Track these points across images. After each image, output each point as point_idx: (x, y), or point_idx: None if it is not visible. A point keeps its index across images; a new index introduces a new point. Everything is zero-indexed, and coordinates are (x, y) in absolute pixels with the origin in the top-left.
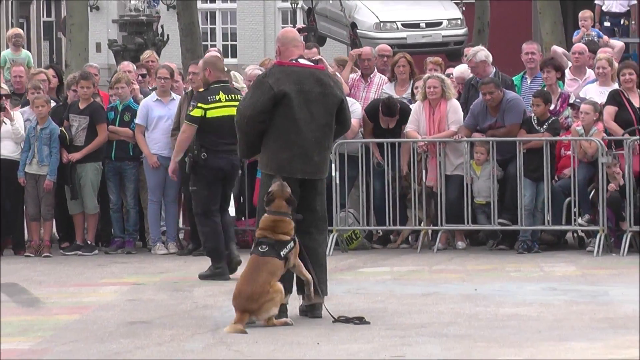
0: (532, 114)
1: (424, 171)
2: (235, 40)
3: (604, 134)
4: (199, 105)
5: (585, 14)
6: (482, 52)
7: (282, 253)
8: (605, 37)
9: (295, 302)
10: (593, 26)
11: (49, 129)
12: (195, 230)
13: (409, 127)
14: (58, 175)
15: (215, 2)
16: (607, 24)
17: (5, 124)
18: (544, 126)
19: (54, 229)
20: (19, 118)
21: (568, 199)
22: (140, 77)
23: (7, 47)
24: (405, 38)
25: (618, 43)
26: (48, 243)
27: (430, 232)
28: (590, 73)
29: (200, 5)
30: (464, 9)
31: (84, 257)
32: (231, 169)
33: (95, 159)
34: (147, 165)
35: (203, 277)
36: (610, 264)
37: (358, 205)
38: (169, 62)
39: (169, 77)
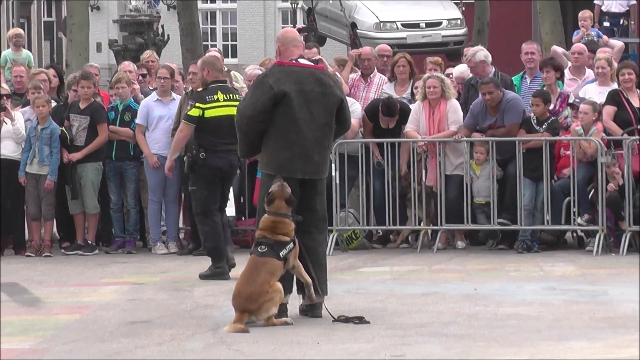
0: (532, 114)
1: (423, 171)
2: (236, 40)
3: (603, 134)
4: (197, 104)
5: (585, 14)
6: (481, 52)
7: (281, 254)
8: (604, 37)
9: (295, 301)
10: (592, 26)
11: (49, 128)
12: (195, 230)
13: (409, 127)
14: (58, 175)
15: (215, 2)
16: (606, 24)
17: (6, 123)
18: (544, 126)
19: (55, 229)
20: (19, 118)
21: (567, 198)
22: (140, 77)
23: (8, 47)
24: (405, 38)
25: (618, 43)
26: (49, 243)
27: (430, 231)
28: (589, 73)
29: (200, 5)
30: (463, 9)
31: (85, 257)
32: (230, 169)
33: (95, 159)
34: (148, 165)
35: (203, 276)
36: (609, 263)
37: (358, 205)
38: (169, 62)
39: (168, 77)
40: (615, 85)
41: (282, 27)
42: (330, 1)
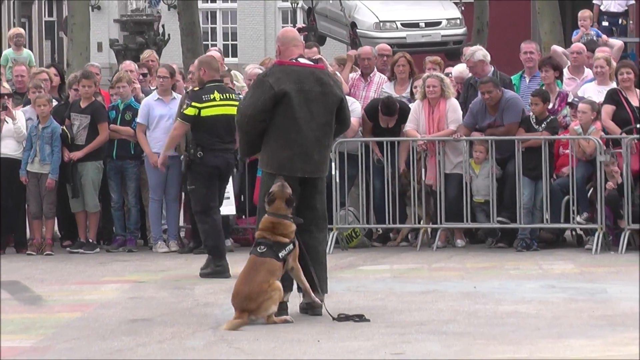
0: (531, 113)
1: (423, 170)
2: (236, 40)
3: (602, 133)
4: (193, 104)
5: (584, 13)
6: (479, 52)
7: (280, 254)
8: (604, 37)
9: (295, 299)
10: (591, 26)
11: (50, 127)
12: (196, 228)
13: (409, 126)
14: (59, 174)
15: (215, 2)
16: (605, 23)
17: (7, 122)
18: (543, 125)
19: (56, 227)
20: (20, 117)
21: (566, 197)
22: (141, 77)
23: (9, 46)
24: (404, 37)
25: (617, 42)
26: (50, 241)
27: (429, 230)
28: (588, 72)
29: (201, 5)
30: (463, 8)
31: (86, 255)
32: (227, 167)
33: (96, 158)
34: (149, 164)
35: (204, 275)
36: (608, 261)
37: (358, 203)
38: (170, 62)
39: (168, 77)
40: (614, 85)
41: (282, 27)
42: (330, 1)
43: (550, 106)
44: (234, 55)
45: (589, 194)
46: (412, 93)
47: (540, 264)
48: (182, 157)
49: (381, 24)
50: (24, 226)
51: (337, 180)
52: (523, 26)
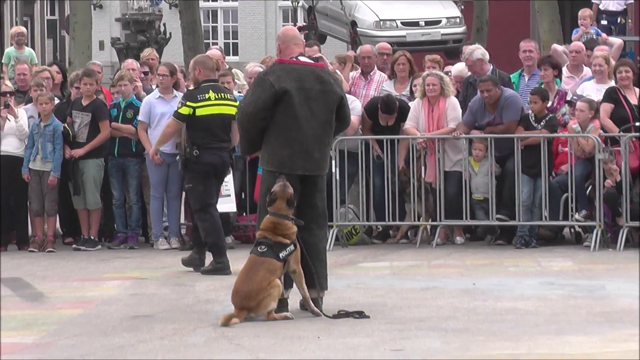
0: (530, 111)
1: (423, 167)
2: (237, 38)
3: (601, 131)
4: (188, 103)
5: (585, 12)
6: (478, 51)
7: (280, 255)
8: (604, 35)
9: (295, 296)
10: (591, 24)
11: (52, 125)
12: (197, 225)
13: (408, 124)
14: (61, 171)
15: (217, 1)
16: (604, 22)
17: (10, 120)
18: (542, 123)
19: (58, 225)
20: (23, 115)
21: (565, 194)
22: (142, 75)
23: (11, 45)
24: (404, 36)
25: (617, 40)
26: (52, 238)
27: (429, 227)
28: (587, 71)
29: (202, 3)
30: (462, 7)
31: (87, 252)
32: (222, 165)
33: (97, 156)
34: (150, 161)
35: (205, 271)
36: (607, 259)
37: (358, 201)
38: (171, 61)
39: (168, 75)
40: (612, 83)
41: (283, 26)
42: (331, 0)
43: (549, 104)
44: (235, 53)
45: (587, 192)
46: (411, 91)
47: (539, 261)
48: (178, 157)
49: (381, 22)
50: (26, 223)
51: (337, 177)
52: (522, 25)
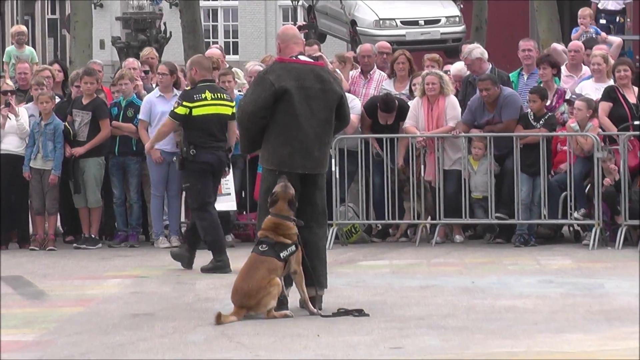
0: (529, 110)
1: (422, 166)
2: (237, 38)
3: (600, 130)
4: (184, 103)
5: (584, 11)
6: (477, 50)
7: (281, 255)
8: (603, 34)
9: (295, 294)
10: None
11: (53, 124)
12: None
13: (408, 123)
14: (62, 170)
15: (217, 0)
16: (602, 21)
17: (10, 119)
18: (541, 122)
19: (59, 223)
20: (23, 114)
21: (564, 193)
22: (143, 74)
23: (12, 44)
24: (404, 35)
25: (616, 39)
26: (52, 237)
27: (428, 225)
28: (586, 70)
29: (202, 2)
30: (461, 6)
31: (88, 251)
32: (219, 164)
33: (97, 154)
34: (151, 160)
35: (205, 270)
36: (605, 257)
37: (357, 199)
38: (171, 60)
39: (167, 74)
40: (611, 82)
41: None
42: None
43: (548, 103)
44: (235, 52)
45: (586, 190)
46: (411, 90)
47: (538, 260)
48: (174, 158)
49: (381, 21)
50: (26, 222)
51: (337, 176)
52: (521, 24)
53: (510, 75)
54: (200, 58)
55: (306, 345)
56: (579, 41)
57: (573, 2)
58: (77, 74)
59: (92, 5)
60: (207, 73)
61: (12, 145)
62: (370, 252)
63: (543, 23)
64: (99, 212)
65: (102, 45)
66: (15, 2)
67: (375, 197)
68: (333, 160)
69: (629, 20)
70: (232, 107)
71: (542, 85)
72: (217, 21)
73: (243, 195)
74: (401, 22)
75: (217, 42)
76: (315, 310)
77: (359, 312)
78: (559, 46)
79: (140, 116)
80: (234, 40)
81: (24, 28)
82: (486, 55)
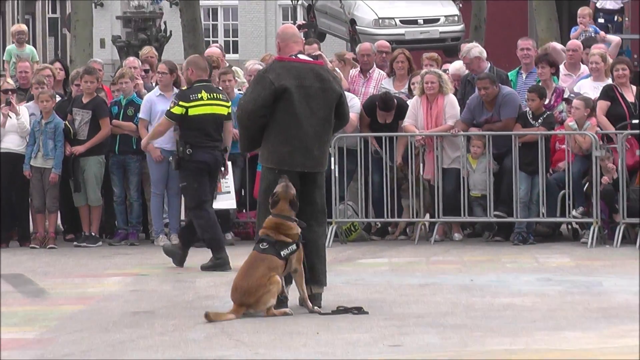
0: (527, 109)
1: (421, 164)
2: (237, 37)
3: (598, 128)
4: (180, 103)
5: (584, 11)
6: (475, 49)
7: (282, 253)
8: (602, 33)
9: (295, 292)
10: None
11: (53, 123)
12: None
13: (407, 122)
14: (62, 168)
15: None
16: (601, 20)
17: (11, 118)
18: (539, 120)
19: (59, 221)
20: (24, 112)
21: (562, 191)
22: (143, 73)
23: (13, 42)
24: (403, 34)
25: (615, 38)
26: (53, 235)
27: (427, 224)
28: (584, 68)
29: (202, 2)
30: (460, 5)
31: (88, 249)
32: (215, 164)
33: (98, 153)
34: (151, 158)
35: (205, 268)
36: (603, 255)
37: (357, 197)
38: (172, 59)
39: (167, 73)
40: (609, 81)
41: (283, 24)
42: None
43: (546, 102)
44: (235, 51)
45: (584, 189)
46: (410, 89)
47: (536, 257)
48: (170, 158)
49: (380, 20)
50: (27, 220)
51: (336, 174)
52: (520, 23)
53: (509, 74)
54: (197, 58)
55: (305, 343)
56: (577, 40)
57: (572, 1)
58: (77, 72)
59: (93, 5)
60: (203, 73)
61: (13, 143)
62: (369, 250)
63: (542, 22)
64: (99, 211)
65: (102, 44)
66: (16, 1)
67: (375, 196)
68: (332, 159)
69: (627, 19)
70: (228, 107)
71: (540, 84)
72: (217, 20)
73: (243, 194)
74: (400, 21)
75: (217, 41)
76: (313, 308)
77: (358, 310)
78: (558, 45)
79: (140, 115)
80: (233, 39)
81: (24, 27)
82: (485, 54)
